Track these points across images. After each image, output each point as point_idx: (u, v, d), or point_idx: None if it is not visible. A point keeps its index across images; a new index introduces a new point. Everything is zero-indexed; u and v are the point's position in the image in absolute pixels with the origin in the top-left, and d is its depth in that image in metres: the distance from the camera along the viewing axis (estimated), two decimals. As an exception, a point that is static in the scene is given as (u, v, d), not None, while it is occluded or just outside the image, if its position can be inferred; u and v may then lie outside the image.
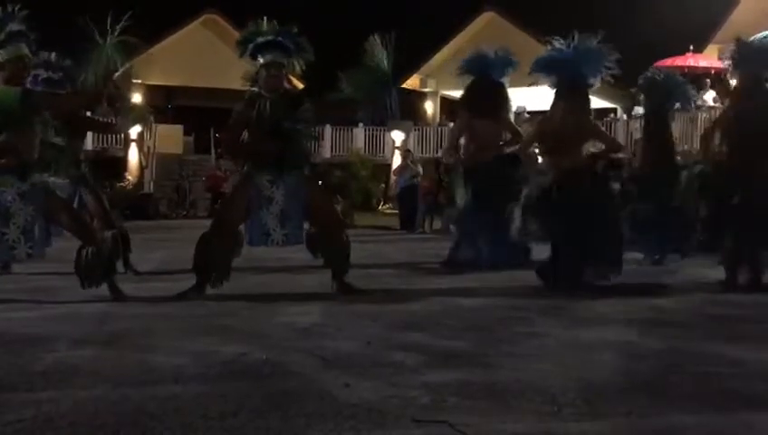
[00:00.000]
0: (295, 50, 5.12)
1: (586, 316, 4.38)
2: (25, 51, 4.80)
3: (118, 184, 17.88)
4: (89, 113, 6.90)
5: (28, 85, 4.82)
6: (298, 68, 5.22)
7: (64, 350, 3.34)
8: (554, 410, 2.51)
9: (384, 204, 19.15)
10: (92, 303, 4.59)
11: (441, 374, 2.95)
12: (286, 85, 5.23)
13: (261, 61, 5.05)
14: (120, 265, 5.31)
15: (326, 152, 21.43)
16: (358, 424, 2.35)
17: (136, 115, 17.97)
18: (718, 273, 5.58)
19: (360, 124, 21.58)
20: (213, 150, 23.98)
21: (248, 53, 5.10)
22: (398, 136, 20.73)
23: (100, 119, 8.09)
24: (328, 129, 21.26)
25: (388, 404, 2.54)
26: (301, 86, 5.05)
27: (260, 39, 5.06)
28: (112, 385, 2.76)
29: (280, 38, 5.07)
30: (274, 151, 4.93)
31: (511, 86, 6.99)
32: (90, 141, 17.35)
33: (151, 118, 19.24)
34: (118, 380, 2.83)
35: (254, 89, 5.11)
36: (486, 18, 22.84)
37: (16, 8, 4.86)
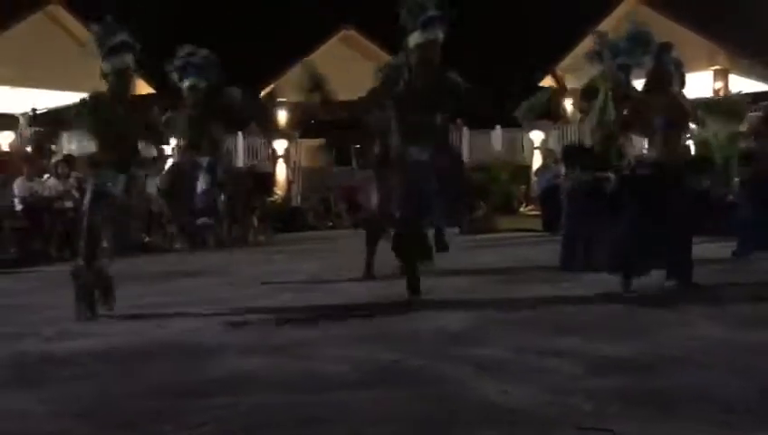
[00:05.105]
0: None
1: (749, 317, 4.15)
2: (129, 62, 4.78)
3: (268, 198, 18.70)
4: None
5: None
6: None
7: (234, 358, 3.56)
8: (730, 419, 2.39)
9: (525, 206, 18.85)
10: (255, 313, 4.83)
11: (601, 380, 2.90)
12: None
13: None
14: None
15: (464, 156, 21.40)
16: (519, 431, 2.36)
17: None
18: None
19: (497, 127, 21.35)
20: (354, 162, 24.52)
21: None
22: (536, 136, 20.36)
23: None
24: (465, 132, 21.24)
25: (548, 411, 2.53)
26: None
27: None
28: (282, 392, 2.91)
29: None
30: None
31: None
32: (241, 158, 18.32)
33: (296, 134, 19.92)
34: (286, 386, 2.99)
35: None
36: (629, 4, 21.70)
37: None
